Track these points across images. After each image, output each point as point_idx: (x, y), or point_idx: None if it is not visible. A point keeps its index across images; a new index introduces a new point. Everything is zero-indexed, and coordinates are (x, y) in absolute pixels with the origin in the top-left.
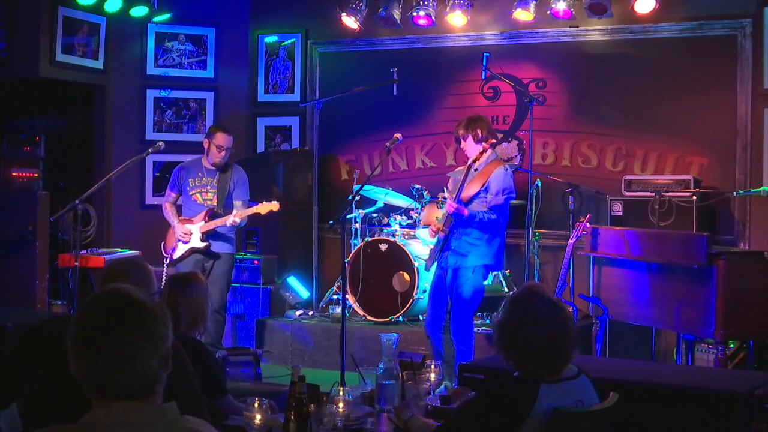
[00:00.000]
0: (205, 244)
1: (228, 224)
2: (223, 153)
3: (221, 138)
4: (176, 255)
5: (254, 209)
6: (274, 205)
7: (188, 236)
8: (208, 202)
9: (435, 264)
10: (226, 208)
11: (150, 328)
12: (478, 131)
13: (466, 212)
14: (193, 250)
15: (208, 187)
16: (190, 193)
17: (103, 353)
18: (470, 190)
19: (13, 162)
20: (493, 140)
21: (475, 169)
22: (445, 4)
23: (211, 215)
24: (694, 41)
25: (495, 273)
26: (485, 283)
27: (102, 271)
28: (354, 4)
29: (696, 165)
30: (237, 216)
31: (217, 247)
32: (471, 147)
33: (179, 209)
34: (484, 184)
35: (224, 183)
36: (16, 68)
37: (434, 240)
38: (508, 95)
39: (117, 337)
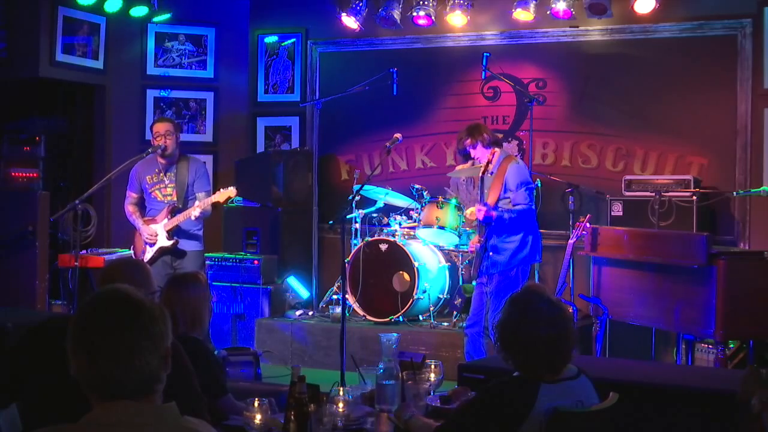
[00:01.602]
0: (172, 242)
1: (192, 218)
2: (159, 139)
3: (155, 126)
4: (146, 257)
5: (213, 198)
6: (231, 192)
7: (154, 237)
8: (168, 198)
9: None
10: (188, 201)
11: (149, 327)
12: (485, 135)
13: (494, 214)
14: (162, 250)
15: (167, 182)
16: (150, 191)
17: (102, 353)
18: (493, 195)
19: (13, 162)
20: (499, 138)
21: (491, 173)
22: (445, 4)
23: (173, 211)
24: (694, 41)
25: None
26: None
27: (101, 271)
28: (354, 4)
29: (696, 165)
30: (198, 207)
31: (183, 244)
32: (482, 152)
33: (143, 211)
34: (503, 185)
35: (182, 177)
36: (16, 68)
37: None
38: (508, 95)
39: (116, 337)
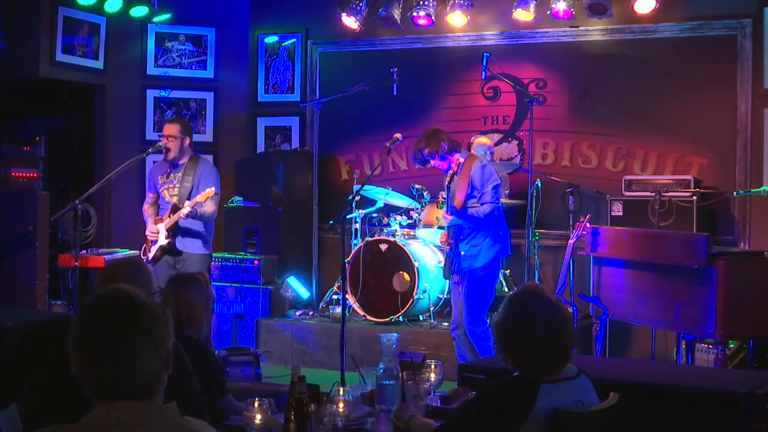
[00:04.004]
0: (168, 240)
1: (183, 216)
2: (166, 140)
3: (164, 127)
4: (150, 255)
5: (196, 198)
6: (211, 191)
7: (155, 235)
8: (174, 198)
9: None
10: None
11: (150, 328)
12: (443, 144)
13: (459, 222)
14: (162, 249)
15: (174, 182)
16: (161, 190)
17: (104, 354)
18: (459, 196)
19: (13, 162)
20: (458, 141)
21: (456, 174)
22: (445, 4)
23: (174, 210)
24: (694, 41)
25: None
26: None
27: (101, 271)
28: (354, 4)
29: (696, 165)
30: (188, 206)
31: (187, 246)
32: (441, 164)
33: (159, 210)
34: (468, 185)
35: (188, 178)
36: (16, 68)
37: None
38: (508, 95)
39: (117, 338)
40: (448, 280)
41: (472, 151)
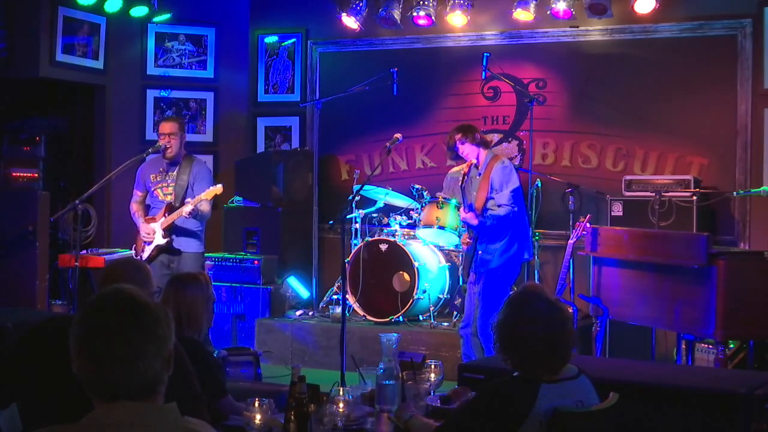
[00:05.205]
0: (167, 240)
1: (185, 215)
2: (165, 139)
3: (161, 125)
4: (145, 256)
5: (201, 195)
6: (218, 189)
7: (151, 236)
8: (168, 197)
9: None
10: (186, 202)
11: (153, 330)
12: (476, 135)
13: (476, 221)
14: (159, 249)
15: (168, 181)
16: (153, 189)
17: (106, 355)
18: (481, 196)
19: (13, 162)
20: (489, 140)
21: (479, 174)
22: (445, 4)
23: (169, 209)
24: (694, 41)
25: None
26: None
27: (101, 271)
28: (354, 4)
29: (696, 165)
30: (190, 203)
31: (183, 244)
32: (470, 150)
33: (148, 209)
34: (489, 185)
35: (183, 177)
36: (16, 68)
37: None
38: (508, 95)
39: (120, 340)
40: (449, 280)
41: None
